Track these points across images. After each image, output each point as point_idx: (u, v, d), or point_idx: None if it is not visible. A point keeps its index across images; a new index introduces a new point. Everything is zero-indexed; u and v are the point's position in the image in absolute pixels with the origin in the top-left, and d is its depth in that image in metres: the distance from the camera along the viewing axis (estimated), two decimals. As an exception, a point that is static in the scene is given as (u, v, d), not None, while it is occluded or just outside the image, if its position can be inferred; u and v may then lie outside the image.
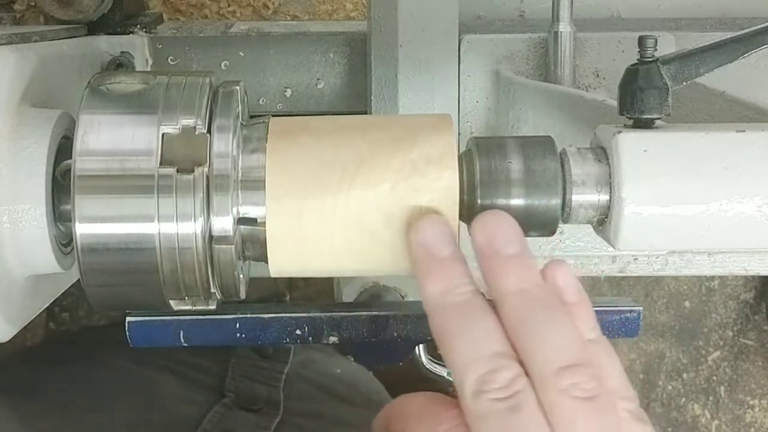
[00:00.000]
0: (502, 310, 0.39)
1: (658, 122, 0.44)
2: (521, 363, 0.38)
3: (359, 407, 0.89)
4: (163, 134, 0.41)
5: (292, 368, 0.91)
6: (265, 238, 0.42)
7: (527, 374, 0.37)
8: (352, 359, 1.00)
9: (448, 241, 0.41)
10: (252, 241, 0.43)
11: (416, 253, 0.41)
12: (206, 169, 0.41)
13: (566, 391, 0.36)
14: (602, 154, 0.44)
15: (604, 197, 0.43)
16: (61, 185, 0.45)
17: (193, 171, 0.41)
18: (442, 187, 0.42)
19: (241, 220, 0.42)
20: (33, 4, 0.68)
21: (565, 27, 0.63)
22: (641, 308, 0.49)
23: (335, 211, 0.42)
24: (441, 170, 0.42)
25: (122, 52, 0.68)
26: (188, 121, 0.42)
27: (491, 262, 0.40)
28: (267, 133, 0.43)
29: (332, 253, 0.43)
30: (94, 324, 1.28)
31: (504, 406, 0.36)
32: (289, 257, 0.43)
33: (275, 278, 0.44)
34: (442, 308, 0.40)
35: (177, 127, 0.42)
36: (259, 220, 0.42)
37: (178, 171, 0.41)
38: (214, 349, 0.91)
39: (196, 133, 0.42)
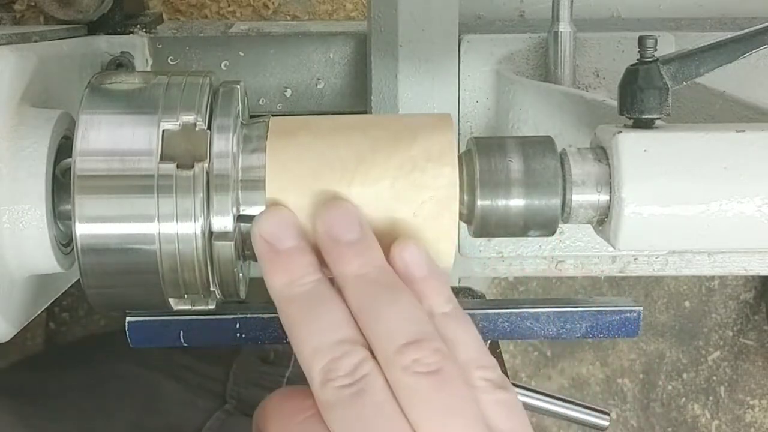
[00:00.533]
0: (346, 296, 0.39)
1: (658, 122, 0.44)
2: (370, 348, 0.37)
3: None
4: (163, 130, 0.41)
5: (294, 372, 0.91)
6: None
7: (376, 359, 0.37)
8: None
9: (291, 232, 0.40)
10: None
11: (258, 246, 0.41)
12: (206, 165, 0.41)
13: (409, 367, 0.36)
14: (602, 154, 0.44)
15: (604, 197, 0.43)
16: (61, 185, 0.45)
17: (193, 167, 0.41)
18: (442, 184, 0.42)
19: (241, 218, 0.42)
20: (33, 4, 0.68)
21: (565, 27, 0.63)
22: (641, 308, 0.49)
23: None
24: (441, 167, 0.42)
25: (122, 52, 0.68)
26: (188, 118, 0.42)
27: (332, 250, 0.40)
28: (267, 132, 0.43)
29: None
30: (96, 327, 1.28)
31: (350, 392, 0.36)
32: None
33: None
34: (287, 300, 0.39)
35: (177, 123, 0.42)
36: None
37: (178, 167, 0.41)
38: (216, 353, 0.91)
39: (197, 129, 0.42)
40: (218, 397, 0.86)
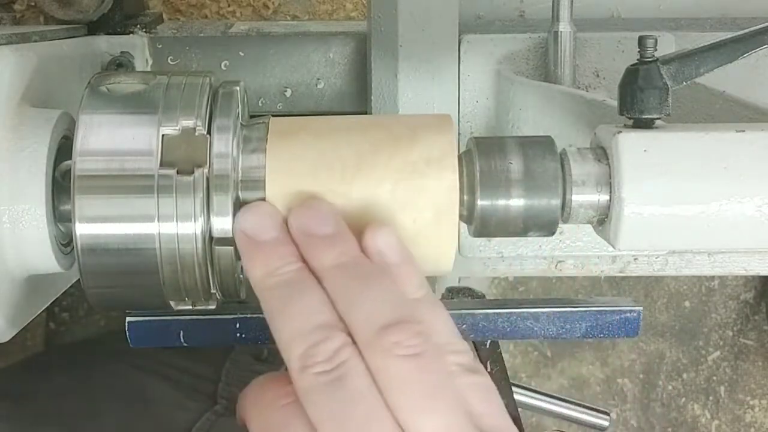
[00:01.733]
0: (325, 286, 0.39)
1: (658, 122, 0.44)
2: (349, 334, 0.37)
3: None
4: (163, 135, 0.41)
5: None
6: None
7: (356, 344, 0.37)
8: None
9: (272, 226, 0.41)
10: None
11: (239, 241, 0.41)
12: (206, 170, 0.41)
13: (389, 350, 0.36)
14: (602, 154, 0.44)
15: (604, 197, 0.43)
16: (61, 185, 0.45)
17: (193, 172, 0.41)
18: (442, 188, 0.42)
19: None
20: (33, 4, 0.68)
21: (565, 27, 0.63)
22: (641, 308, 0.49)
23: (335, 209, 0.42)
24: (441, 170, 0.42)
25: (122, 52, 0.68)
26: (188, 122, 0.42)
27: (308, 245, 0.40)
28: (267, 133, 0.43)
29: None
30: (97, 327, 1.28)
31: (328, 378, 0.36)
32: None
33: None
34: (266, 290, 0.39)
35: (177, 128, 0.42)
36: None
37: (178, 172, 0.41)
38: (210, 351, 0.91)
39: (196, 134, 0.42)
40: (209, 398, 0.85)
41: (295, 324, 0.37)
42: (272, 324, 0.39)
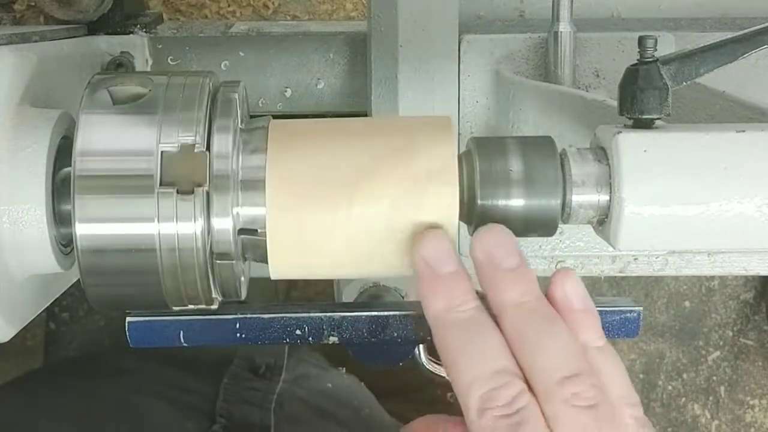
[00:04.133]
0: (503, 324, 0.39)
1: (658, 122, 0.44)
2: (525, 379, 0.38)
3: (349, 426, 0.89)
4: (162, 152, 0.41)
5: (285, 386, 0.90)
6: (266, 246, 0.42)
7: (531, 390, 0.38)
8: (344, 370, 1.00)
9: (451, 257, 0.41)
10: (253, 248, 0.43)
11: (420, 268, 0.41)
12: (206, 188, 0.41)
13: (568, 401, 0.37)
14: (602, 154, 0.44)
15: (604, 197, 0.43)
16: (60, 187, 0.45)
17: (192, 192, 0.41)
18: (442, 204, 0.42)
19: (242, 231, 0.42)
20: (33, 4, 0.67)
21: (565, 27, 0.63)
22: (641, 308, 0.49)
23: (336, 225, 0.42)
24: (441, 186, 0.42)
25: (122, 52, 0.68)
26: (187, 139, 0.41)
27: (491, 276, 0.40)
28: (266, 140, 0.42)
29: (333, 262, 0.43)
30: (96, 327, 1.27)
31: (508, 423, 0.37)
32: (290, 265, 0.43)
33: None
34: (445, 325, 0.40)
35: (176, 145, 0.41)
36: (259, 231, 0.42)
37: (178, 192, 0.41)
38: (207, 363, 0.90)
39: (195, 151, 0.41)
40: (208, 417, 0.84)
41: (475, 366, 0.38)
42: (450, 360, 0.39)
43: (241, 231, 0.42)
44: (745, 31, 0.45)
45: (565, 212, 0.44)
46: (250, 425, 0.85)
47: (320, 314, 0.48)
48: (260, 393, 0.88)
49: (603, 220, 0.44)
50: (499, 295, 0.40)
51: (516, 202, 0.43)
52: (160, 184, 0.41)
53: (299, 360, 0.96)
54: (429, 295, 0.40)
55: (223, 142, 0.42)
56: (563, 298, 0.41)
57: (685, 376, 1.48)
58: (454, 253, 0.41)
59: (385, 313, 0.48)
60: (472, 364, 0.38)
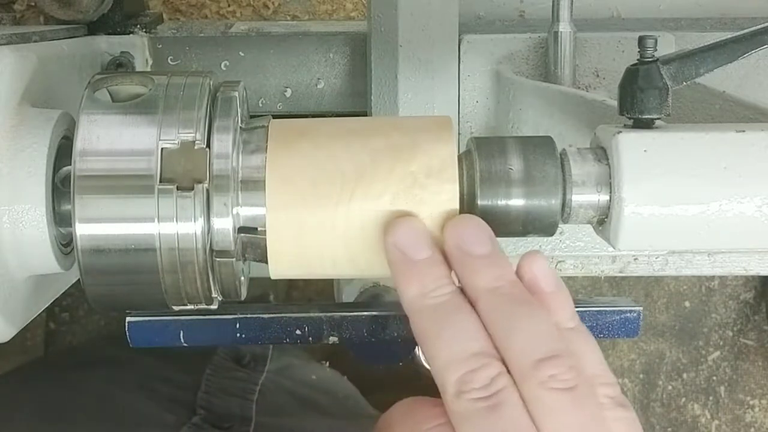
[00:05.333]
0: (478, 309, 0.39)
1: (658, 122, 0.44)
2: (503, 361, 0.38)
3: (332, 417, 0.88)
4: (162, 149, 0.41)
5: (269, 377, 0.90)
6: (266, 245, 0.42)
7: (509, 371, 0.38)
8: (327, 364, 1.00)
9: (423, 243, 0.41)
10: (253, 247, 0.43)
11: (392, 256, 0.41)
12: (206, 185, 0.41)
13: (545, 383, 0.37)
14: (602, 154, 0.44)
15: (604, 197, 0.43)
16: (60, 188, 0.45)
17: (192, 189, 0.41)
18: (441, 201, 0.42)
19: (242, 229, 0.42)
20: (33, 4, 0.67)
21: (565, 27, 0.63)
22: (641, 308, 0.49)
23: (335, 223, 0.42)
24: (441, 183, 0.42)
25: (122, 52, 0.68)
26: (187, 136, 0.41)
27: (463, 263, 0.40)
28: (266, 141, 0.42)
29: (333, 261, 0.43)
30: (97, 327, 1.28)
31: (485, 405, 0.37)
32: (289, 265, 0.43)
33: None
34: (420, 311, 0.40)
35: (176, 141, 0.41)
36: (259, 229, 0.42)
37: (178, 188, 0.41)
38: (191, 356, 0.90)
39: (195, 147, 0.41)
40: (188, 409, 0.84)
41: (452, 349, 0.38)
42: (426, 345, 0.39)
43: (241, 229, 0.42)
44: (745, 31, 0.45)
45: (565, 212, 0.44)
46: (230, 416, 0.84)
47: (320, 314, 0.48)
48: (242, 383, 0.88)
49: (603, 220, 0.44)
50: (472, 281, 0.40)
51: (516, 201, 0.43)
52: (160, 181, 0.41)
53: (283, 351, 0.95)
54: (403, 281, 0.40)
55: (223, 142, 0.42)
56: (532, 280, 0.41)
57: (685, 376, 1.48)
58: (427, 238, 0.41)
59: (385, 313, 0.48)
60: (448, 347, 0.38)
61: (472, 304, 0.40)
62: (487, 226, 0.41)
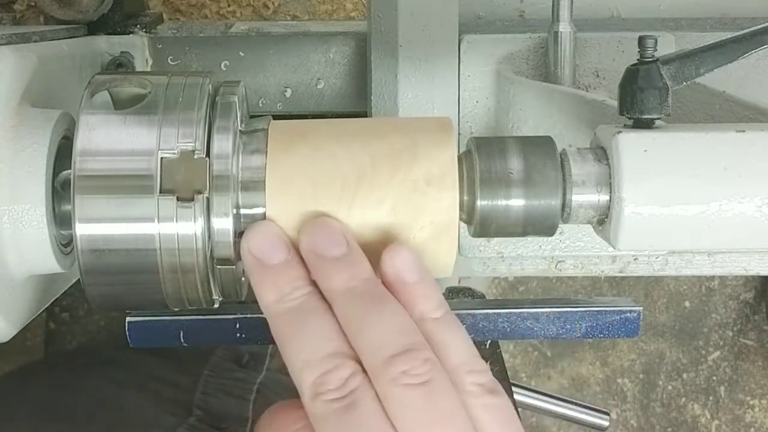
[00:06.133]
0: (335, 311, 0.39)
1: (658, 122, 0.44)
2: (359, 360, 0.38)
3: None
4: (161, 159, 0.41)
5: (268, 376, 0.90)
6: None
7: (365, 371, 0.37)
8: None
9: (278, 246, 0.41)
10: None
11: (247, 261, 0.41)
12: (206, 195, 0.41)
13: (397, 379, 0.36)
14: (602, 154, 0.44)
15: (604, 197, 0.43)
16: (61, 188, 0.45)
17: (192, 199, 0.41)
18: (441, 208, 0.42)
19: (242, 233, 0.42)
20: (33, 4, 0.68)
21: (565, 27, 0.63)
22: (641, 308, 0.49)
23: None
24: (441, 190, 0.42)
25: (122, 52, 0.68)
26: (187, 145, 0.41)
27: (318, 267, 0.40)
28: (266, 143, 0.42)
29: None
30: (96, 327, 1.27)
31: (340, 406, 0.36)
32: None
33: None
34: (277, 315, 0.40)
35: (175, 151, 0.41)
36: None
37: (178, 199, 0.41)
38: (191, 356, 0.90)
39: (195, 157, 0.41)
40: (185, 409, 0.84)
41: (306, 352, 0.38)
42: (283, 350, 0.39)
43: (241, 234, 0.42)
44: (745, 31, 0.45)
45: (565, 212, 0.44)
46: (227, 417, 0.84)
47: (320, 314, 0.48)
48: (241, 383, 0.88)
49: (603, 220, 0.44)
50: (327, 283, 0.40)
51: (516, 202, 0.43)
52: (160, 192, 0.41)
53: None
54: (259, 287, 0.40)
55: (222, 144, 0.42)
56: (394, 273, 0.40)
57: (685, 376, 1.48)
58: (282, 241, 0.41)
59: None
60: (303, 350, 0.38)
61: (331, 307, 0.39)
62: (341, 226, 0.41)
